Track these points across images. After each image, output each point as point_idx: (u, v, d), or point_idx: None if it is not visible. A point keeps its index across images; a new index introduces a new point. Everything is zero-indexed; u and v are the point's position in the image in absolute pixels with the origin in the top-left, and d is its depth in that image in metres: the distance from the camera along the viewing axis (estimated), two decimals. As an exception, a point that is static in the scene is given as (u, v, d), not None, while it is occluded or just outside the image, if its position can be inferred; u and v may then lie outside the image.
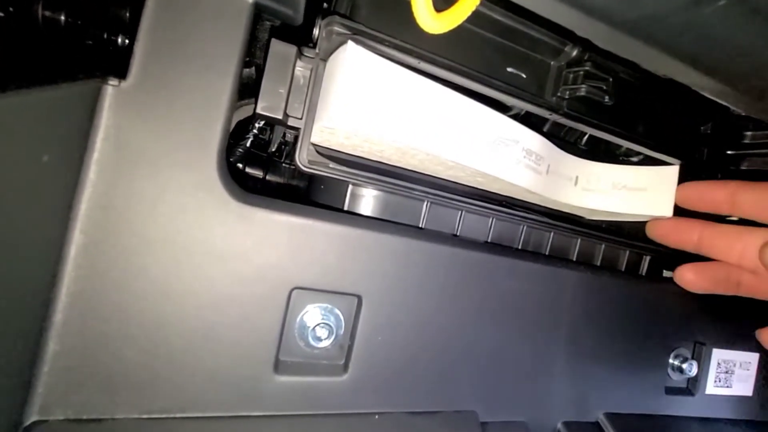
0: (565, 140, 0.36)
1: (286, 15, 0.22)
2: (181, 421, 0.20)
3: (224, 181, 0.20)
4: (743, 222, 0.28)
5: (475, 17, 0.25)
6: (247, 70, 0.33)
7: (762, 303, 0.30)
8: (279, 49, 0.22)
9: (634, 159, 0.36)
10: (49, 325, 0.18)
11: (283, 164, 0.40)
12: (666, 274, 0.42)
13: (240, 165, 0.37)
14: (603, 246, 0.33)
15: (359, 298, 0.24)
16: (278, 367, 0.22)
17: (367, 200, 0.26)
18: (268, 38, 0.25)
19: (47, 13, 0.27)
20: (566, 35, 0.27)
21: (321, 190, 0.28)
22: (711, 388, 0.36)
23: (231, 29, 0.20)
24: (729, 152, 0.34)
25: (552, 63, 0.28)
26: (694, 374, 0.34)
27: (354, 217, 0.24)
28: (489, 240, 0.29)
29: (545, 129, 0.35)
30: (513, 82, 0.27)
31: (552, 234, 0.31)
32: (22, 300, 0.17)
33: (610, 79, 0.28)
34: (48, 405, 0.18)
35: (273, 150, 0.38)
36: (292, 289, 0.22)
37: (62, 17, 0.27)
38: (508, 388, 0.28)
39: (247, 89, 0.31)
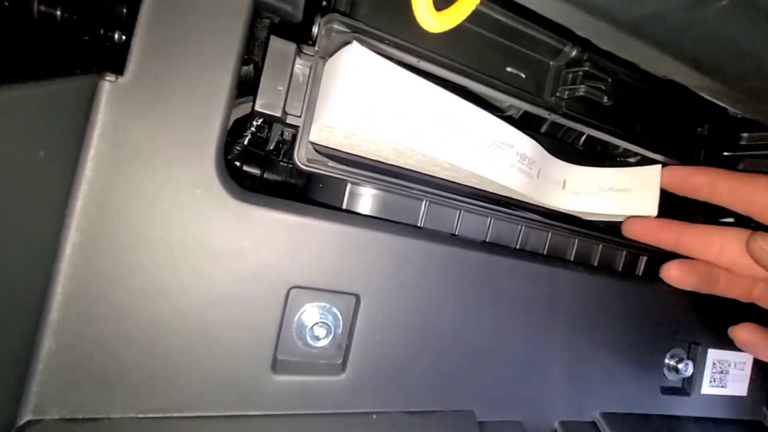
0: (562, 141, 0.36)
1: (286, 12, 0.22)
2: (177, 420, 0.20)
3: (222, 178, 0.20)
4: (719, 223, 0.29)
5: (475, 16, 0.25)
6: (246, 67, 0.33)
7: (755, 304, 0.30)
8: (278, 46, 0.22)
9: (632, 159, 0.36)
10: (45, 323, 0.17)
11: (281, 163, 0.40)
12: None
13: (237, 163, 0.37)
14: (600, 246, 0.33)
15: (357, 297, 0.24)
16: (276, 366, 0.22)
17: (366, 199, 0.26)
18: (266, 36, 0.24)
19: (43, 8, 0.26)
20: (566, 35, 0.27)
21: (319, 188, 0.28)
22: (706, 388, 0.36)
23: (230, 25, 0.19)
24: (725, 153, 0.35)
25: (551, 63, 0.28)
26: (690, 374, 0.34)
27: (352, 216, 0.24)
28: (487, 240, 0.29)
29: (543, 129, 0.35)
30: (512, 82, 0.27)
31: (550, 234, 0.31)
32: (17, 298, 0.17)
33: (609, 80, 0.28)
34: (43, 404, 0.18)
35: (271, 148, 0.38)
36: (290, 288, 0.22)
37: (58, 12, 0.27)
38: (506, 388, 0.28)
39: (245, 87, 0.31)
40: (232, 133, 0.36)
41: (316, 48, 0.23)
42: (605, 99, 0.28)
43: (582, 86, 0.27)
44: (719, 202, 0.28)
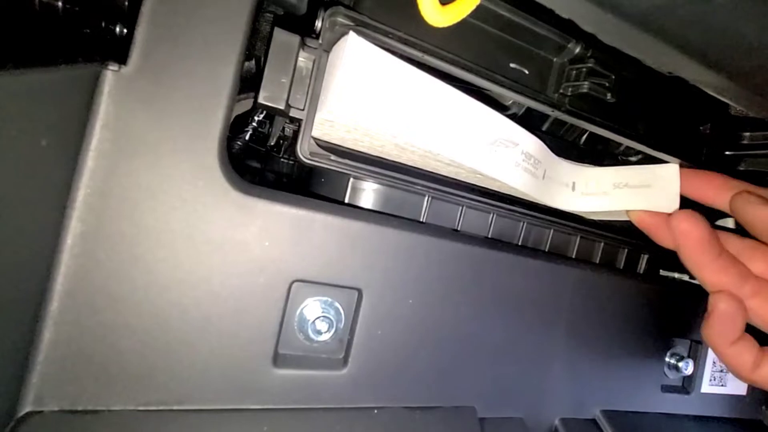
0: (564, 139, 0.36)
1: (290, 3, 0.21)
2: (178, 413, 0.20)
3: (225, 170, 0.20)
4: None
5: (479, 11, 0.25)
6: (247, 63, 0.33)
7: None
8: (282, 38, 0.22)
9: (633, 158, 0.36)
10: (45, 314, 0.17)
11: (282, 159, 0.40)
12: (663, 273, 0.42)
13: (239, 159, 0.37)
14: (602, 244, 0.33)
15: (359, 291, 0.23)
16: (277, 360, 0.22)
17: (368, 194, 0.26)
18: (270, 30, 0.24)
19: None
20: (570, 32, 0.27)
21: (322, 182, 0.28)
22: (706, 386, 0.36)
23: (234, 15, 0.19)
24: (727, 153, 0.35)
25: (555, 59, 0.28)
26: (690, 373, 0.34)
27: (355, 210, 0.24)
28: (489, 236, 0.29)
29: (545, 128, 0.35)
30: (515, 78, 0.27)
31: (552, 231, 0.31)
32: (17, 288, 0.17)
33: (613, 77, 0.28)
34: (42, 395, 0.18)
35: (272, 144, 0.37)
36: (292, 282, 0.22)
37: (60, 3, 0.26)
38: (507, 385, 0.28)
39: (247, 83, 0.31)
40: (233, 129, 0.36)
41: (320, 41, 0.23)
42: (608, 96, 0.28)
43: (585, 83, 0.27)
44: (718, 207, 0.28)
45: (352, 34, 0.21)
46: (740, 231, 0.28)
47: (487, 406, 0.27)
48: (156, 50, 0.18)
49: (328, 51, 0.23)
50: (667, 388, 0.35)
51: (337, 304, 0.23)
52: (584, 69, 0.27)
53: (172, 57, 0.19)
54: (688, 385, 0.36)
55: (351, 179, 0.26)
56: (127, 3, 0.28)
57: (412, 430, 0.24)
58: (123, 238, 0.18)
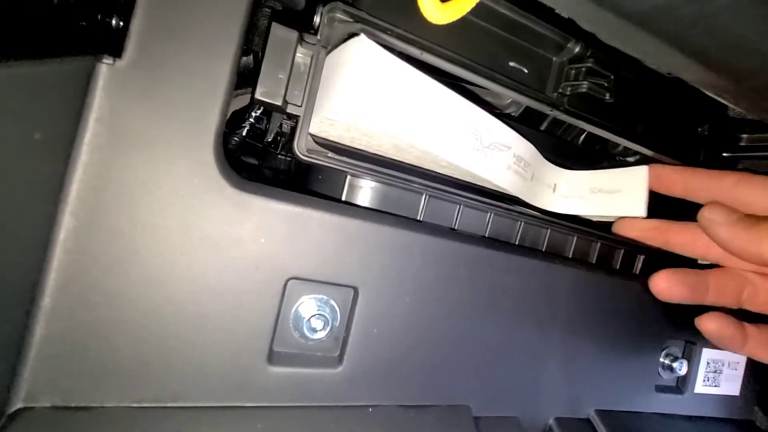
0: (562, 138, 0.36)
1: (288, -1, 0.21)
2: (171, 410, 0.19)
3: (221, 166, 0.20)
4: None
5: (479, 9, 0.25)
6: (245, 58, 0.33)
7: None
8: (280, 33, 0.21)
9: (631, 159, 0.36)
10: (37, 309, 0.17)
11: (279, 155, 0.40)
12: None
13: (235, 154, 0.36)
14: (598, 244, 0.33)
15: (356, 290, 0.23)
16: (272, 357, 0.22)
17: (366, 191, 0.26)
18: (267, 25, 0.24)
19: (39, -9, 0.26)
20: (570, 31, 0.27)
21: (319, 180, 0.28)
22: (700, 387, 0.36)
23: (231, 8, 0.19)
24: (725, 154, 0.35)
25: (554, 59, 0.28)
26: (684, 373, 0.35)
27: (352, 208, 0.24)
28: (486, 235, 0.29)
29: (543, 127, 0.35)
30: (515, 77, 0.27)
31: (549, 231, 0.31)
32: (9, 283, 0.17)
33: (612, 77, 0.27)
34: (34, 392, 0.17)
35: (269, 140, 0.37)
36: (288, 279, 0.22)
37: (55, -5, 0.26)
38: (502, 384, 0.28)
39: (244, 78, 0.31)
40: (230, 125, 0.36)
41: (318, 37, 0.22)
42: (607, 96, 0.28)
43: (584, 82, 0.27)
44: (693, 198, 0.29)
45: (363, 37, 0.21)
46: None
47: (482, 404, 0.27)
48: (152, 43, 0.18)
49: (326, 47, 0.23)
50: (661, 388, 0.35)
51: (332, 302, 0.23)
52: (583, 68, 0.27)
53: (168, 50, 0.18)
54: (682, 385, 0.36)
55: (348, 177, 0.25)
56: (123, -5, 0.27)
57: (407, 428, 0.24)
58: (117, 234, 0.18)
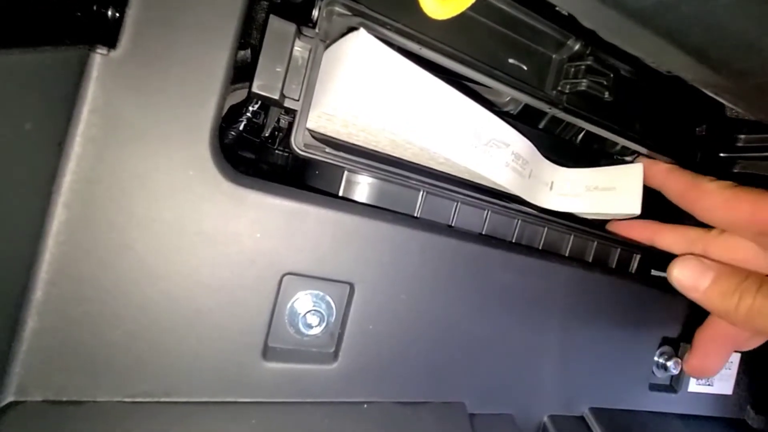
0: (560, 137, 0.36)
1: (286, -10, 0.21)
2: (165, 405, 0.19)
3: (216, 159, 0.20)
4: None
5: (479, 5, 0.24)
6: (242, 52, 0.32)
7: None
8: (277, 26, 0.21)
9: (629, 158, 0.36)
10: (29, 302, 0.17)
11: (277, 150, 0.40)
12: (654, 273, 0.42)
13: (232, 150, 0.36)
14: (595, 243, 0.33)
15: (351, 286, 0.23)
16: (267, 353, 0.22)
17: (363, 187, 0.26)
18: (265, 18, 0.24)
19: (33, -20, 0.25)
20: (569, 28, 0.27)
21: (316, 175, 0.28)
22: (693, 386, 0.37)
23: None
24: (722, 155, 0.35)
25: (554, 56, 0.28)
26: (678, 372, 0.35)
27: (349, 204, 0.24)
28: (483, 232, 0.29)
29: (542, 125, 0.35)
30: (514, 74, 0.26)
31: (546, 229, 0.31)
32: (0, 275, 0.17)
33: (611, 75, 0.27)
34: (26, 385, 0.17)
35: (266, 135, 0.37)
36: (284, 275, 0.22)
37: (49, -16, 0.26)
38: (497, 381, 0.28)
39: (242, 72, 0.30)
40: (228, 119, 0.35)
41: (317, 30, 0.22)
42: (606, 94, 0.28)
43: (584, 80, 0.27)
44: (671, 199, 0.30)
45: (362, 31, 0.21)
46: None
47: (477, 402, 0.27)
48: (147, 34, 0.18)
49: (324, 41, 0.23)
50: (655, 387, 0.35)
51: (328, 298, 0.23)
52: (583, 66, 0.27)
53: (163, 42, 0.18)
54: (675, 384, 0.36)
55: (346, 172, 0.25)
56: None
57: (402, 425, 0.24)
58: (110, 227, 0.18)
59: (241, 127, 0.36)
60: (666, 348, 0.35)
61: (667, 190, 0.30)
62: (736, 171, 0.35)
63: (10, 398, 0.17)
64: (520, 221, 0.30)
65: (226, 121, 0.35)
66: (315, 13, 0.23)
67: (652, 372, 0.34)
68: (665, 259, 0.34)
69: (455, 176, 0.28)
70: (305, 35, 0.22)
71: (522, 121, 0.31)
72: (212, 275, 0.20)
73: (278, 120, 0.35)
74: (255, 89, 0.21)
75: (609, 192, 0.30)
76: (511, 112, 0.34)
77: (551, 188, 0.30)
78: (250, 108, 0.36)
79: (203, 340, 0.20)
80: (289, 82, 0.22)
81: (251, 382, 0.21)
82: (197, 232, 0.20)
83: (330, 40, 0.23)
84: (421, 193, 0.27)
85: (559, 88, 0.28)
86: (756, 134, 0.33)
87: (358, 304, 0.23)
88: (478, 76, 0.25)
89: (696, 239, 0.30)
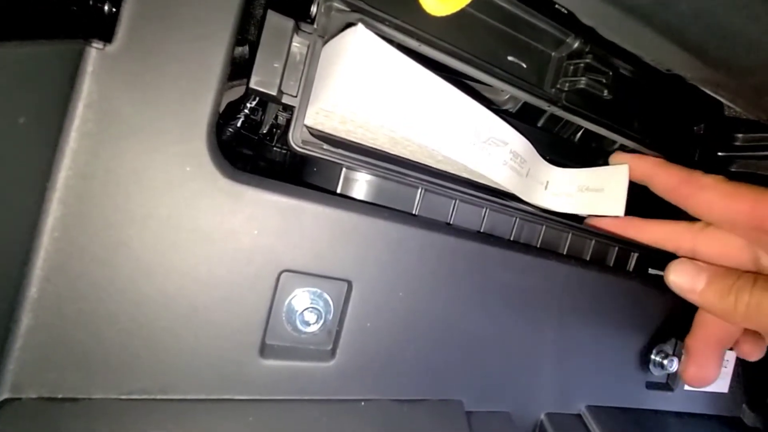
0: (559, 136, 0.36)
1: (284, -14, 0.21)
2: (161, 402, 0.19)
3: (213, 156, 0.19)
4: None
5: (479, 2, 0.24)
6: (240, 48, 0.32)
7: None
8: (275, 21, 0.21)
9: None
10: (23, 298, 0.17)
11: (275, 147, 0.39)
12: (651, 271, 0.42)
13: (230, 147, 0.36)
14: (593, 241, 0.33)
15: (349, 283, 0.23)
16: (264, 350, 0.22)
17: (361, 185, 0.26)
18: (263, 14, 0.24)
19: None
20: (569, 26, 0.27)
21: (314, 172, 0.27)
22: (689, 384, 0.37)
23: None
24: (720, 154, 0.35)
25: (553, 54, 0.28)
26: (674, 370, 0.35)
27: (347, 201, 0.24)
28: (482, 230, 0.29)
29: (540, 123, 0.35)
30: (513, 71, 0.26)
31: (544, 227, 0.31)
32: (-6, 272, 0.16)
33: (610, 73, 0.27)
34: (21, 382, 0.17)
35: (264, 132, 0.37)
36: (281, 272, 0.22)
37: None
38: (495, 379, 0.28)
39: (239, 69, 0.30)
40: (226, 116, 0.35)
41: (315, 26, 0.22)
42: (605, 93, 0.28)
43: (583, 78, 0.27)
44: (660, 193, 0.30)
45: (360, 26, 0.21)
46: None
47: (475, 399, 0.27)
48: (143, 28, 0.18)
49: (322, 37, 0.22)
50: (652, 385, 0.35)
51: (326, 296, 0.23)
52: (582, 64, 0.27)
53: (160, 36, 0.18)
54: (672, 382, 0.36)
55: (344, 169, 0.25)
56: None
57: (399, 422, 0.24)
58: (106, 223, 0.18)
59: (238, 124, 0.36)
60: (663, 346, 0.35)
61: (656, 184, 0.30)
62: (733, 170, 0.35)
63: (5, 395, 0.17)
64: (518, 219, 0.30)
65: (224, 117, 0.35)
66: (313, 8, 0.22)
67: (649, 370, 0.35)
68: (663, 257, 0.35)
69: (454, 174, 0.28)
70: (303, 31, 0.22)
71: (521, 119, 0.31)
72: (209, 272, 0.20)
73: (276, 117, 0.34)
74: (253, 85, 0.21)
75: (597, 193, 0.30)
76: (510, 110, 0.34)
77: (546, 188, 0.31)
78: (248, 105, 0.35)
79: (200, 337, 0.20)
80: (287, 78, 0.22)
81: (248, 380, 0.21)
82: (194, 229, 0.19)
83: (328, 36, 0.23)
84: (420, 190, 0.26)
85: (558, 86, 0.28)
86: (754, 133, 0.33)
87: (355, 301, 0.23)
88: (477, 74, 0.25)
89: (682, 232, 0.30)
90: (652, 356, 0.35)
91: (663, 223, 0.31)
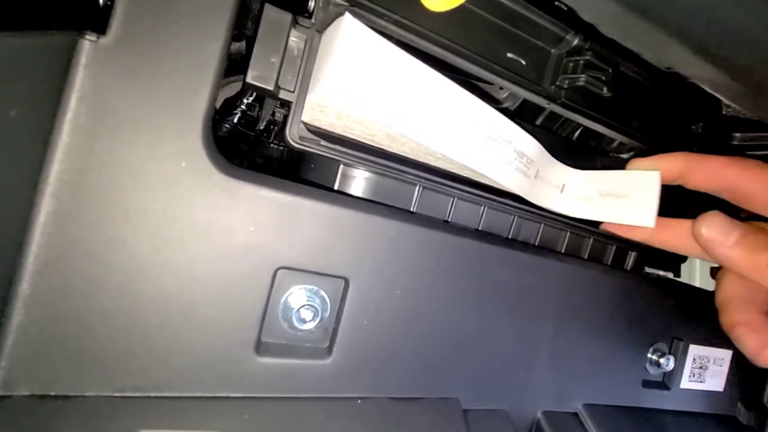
0: (557, 134, 0.35)
1: (282, -20, 0.20)
2: (155, 400, 0.19)
3: (209, 151, 0.19)
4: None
5: (478, -2, 0.24)
6: (236, 44, 0.32)
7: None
8: (273, 15, 0.21)
9: (625, 155, 0.36)
10: (15, 294, 0.16)
11: (272, 144, 0.39)
12: (648, 270, 0.42)
13: (226, 142, 0.36)
14: (591, 240, 0.33)
15: (346, 280, 0.23)
16: (260, 348, 0.21)
17: (358, 181, 0.25)
18: (260, 9, 0.23)
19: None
20: (569, 23, 0.26)
21: (311, 168, 0.27)
22: (686, 382, 0.37)
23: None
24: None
25: (552, 51, 0.28)
26: (671, 369, 0.35)
27: (344, 198, 0.23)
28: (480, 228, 0.29)
29: (539, 121, 0.35)
30: (512, 68, 0.26)
31: (542, 226, 0.31)
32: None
33: (610, 71, 0.27)
34: (12, 379, 0.17)
35: (261, 128, 0.36)
36: (278, 269, 0.21)
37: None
38: (491, 377, 0.28)
39: (236, 65, 0.30)
40: (222, 112, 0.35)
41: (313, 20, 0.22)
42: (605, 90, 0.27)
43: (582, 75, 0.27)
44: (697, 187, 0.28)
45: (347, 16, 0.20)
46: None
47: (472, 397, 0.27)
48: (138, 21, 0.17)
49: (320, 31, 0.22)
50: (648, 384, 0.35)
51: (323, 293, 0.23)
52: (581, 61, 0.27)
53: (155, 29, 0.18)
54: (668, 381, 0.36)
55: (341, 166, 0.25)
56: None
57: (396, 420, 0.24)
58: (100, 218, 0.18)
59: (235, 120, 0.36)
60: (659, 345, 0.35)
61: (695, 179, 0.27)
62: (731, 169, 0.35)
63: (-4, 392, 0.17)
64: (516, 217, 0.30)
65: (220, 113, 0.35)
66: (311, 2, 0.22)
67: (645, 369, 0.35)
68: (660, 256, 0.35)
69: (452, 171, 0.28)
70: (301, 25, 0.22)
71: (520, 116, 0.31)
72: (204, 269, 0.20)
73: (273, 113, 0.34)
74: (249, 80, 0.21)
75: (622, 200, 0.28)
76: (510, 108, 0.34)
77: (562, 191, 0.29)
78: (245, 100, 0.35)
79: (195, 335, 0.20)
80: (284, 73, 0.22)
81: (244, 377, 0.21)
82: (189, 225, 0.19)
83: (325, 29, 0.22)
84: (418, 187, 0.26)
85: (558, 83, 0.27)
86: (752, 132, 0.33)
87: (352, 299, 0.23)
88: (477, 70, 0.25)
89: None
90: (649, 355, 0.35)
91: (675, 223, 0.28)
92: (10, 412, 0.17)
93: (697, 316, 0.37)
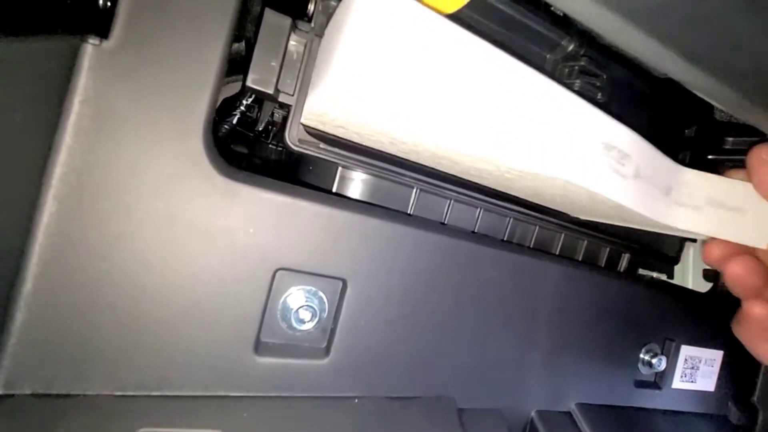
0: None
1: (282, -16, 0.21)
2: (155, 399, 0.19)
3: (210, 153, 0.19)
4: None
5: (475, 4, 0.24)
6: (236, 44, 0.32)
7: (732, 304, 0.30)
8: (272, 19, 0.21)
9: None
10: (18, 293, 0.17)
11: (270, 145, 0.39)
12: (641, 272, 0.43)
13: (225, 144, 0.36)
14: (585, 242, 0.34)
15: (344, 281, 0.23)
16: (259, 348, 0.22)
17: (357, 184, 0.26)
18: (260, 11, 0.24)
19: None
20: (564, 29, 0.27)
21: (310, 171, 0.28)
22: (677, 382, 0.37)
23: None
24: (710, 157, 0.35)
25: (548, 56, 0.28)
26: (663, 369, 0.35)
27: (343, 200, 0.24)
28: (476, 230, 0.29)
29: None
30: (508, 73, 0.27)
31: (537, 228, 0.31)
32: (-12, 267, 0.16)
33: (604, 76, 0.28)
34: (14, 378, 0.17)
35: (260, 129, 0.37)
36: (276, 270, 0.22)
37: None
38: (486, 377, 0.28)
39: (235, 66, 0.30)
40: (221, 112, 0.35)
41: (312, 25, 0.22)
42: (599, 95, 0.28)
43: (577, 81, 0.27)
44: None
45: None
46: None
47: (467, 397, 0.28)
48: (140, 25, 0.18)
49: (320, 36, 0.22)
50: (641, 384, 0.36)
51: (321, 294, 0.23)
52: (576, 67, 0.27)
53: (156, 33, 0.18)
54: (660, 380, 0.37)
55: (339, 168, 0.25)
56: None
57: (392, 419, 0.24)
58: (101, 219, 0.18)
59: (234, 121, 0.36)
60: (651, 345, 0.36)
61: None
62: (721, 173, 0.36)
63: (-1, 391, 0.17)
64: (512, 219, 0.30)
65: (219, 114, 0.35)
66: (311, 7, 0.22)
67: (638, 369, 0.35)
68: (655, 259, 0.35)
69: (449, 174, 0.28)
70: (300, 30, 0.22)
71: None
72: (204, 269, 0.20)
73: (272, 114, 0.34)
74: (249, 83, 0.21)
75: (734, 213, 0.23)
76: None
77: (667, 194, 0.23)
78: (244, 102, 0.35)
79: (195, 334, 0.20)
80: (283, 77, 0.22)
81: (243, 377, 0.21)
82: (189, 226, 0.19)
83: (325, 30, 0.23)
84: (415, 190, 0.27)
85: (553, 88, 0.28)
86: (744, 137, 0.34)
87: (350, 300, 0.23)
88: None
89: None
90: (641, 355, 0.35)
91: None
92: (12, 410, 0.17)
93: (690, 318, 0.37)
